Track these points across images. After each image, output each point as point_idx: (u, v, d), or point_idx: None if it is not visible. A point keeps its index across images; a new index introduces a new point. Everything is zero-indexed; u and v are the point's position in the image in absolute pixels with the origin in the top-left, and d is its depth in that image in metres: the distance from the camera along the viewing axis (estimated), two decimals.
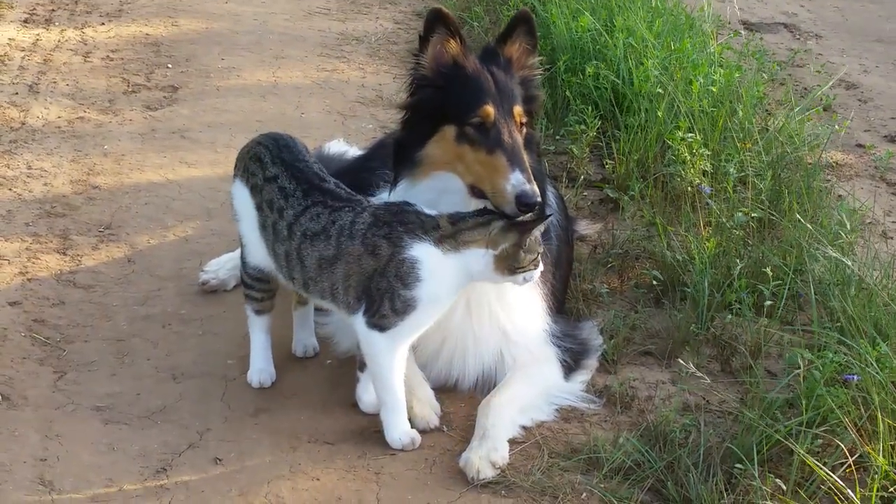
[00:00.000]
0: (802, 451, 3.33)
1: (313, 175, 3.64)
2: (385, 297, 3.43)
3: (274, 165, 3.67)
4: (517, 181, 3.44)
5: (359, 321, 3.49)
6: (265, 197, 3.64)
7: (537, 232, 3.46)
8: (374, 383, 3.59)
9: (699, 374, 3.75)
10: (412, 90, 3.73)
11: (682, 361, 3.82)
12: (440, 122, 3.60)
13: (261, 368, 3.84)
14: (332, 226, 3.52)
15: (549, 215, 3.57)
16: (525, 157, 3.52)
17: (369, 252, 3.45)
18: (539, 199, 3.47)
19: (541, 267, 3.50)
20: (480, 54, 3.74)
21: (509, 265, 3.43)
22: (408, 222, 3.46)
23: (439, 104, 3.62)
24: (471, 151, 3.54)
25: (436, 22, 3.65)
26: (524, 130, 3.62)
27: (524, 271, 3.45)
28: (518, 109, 3.60)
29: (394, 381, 3.52)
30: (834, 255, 4.10)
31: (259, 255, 3.73)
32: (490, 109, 3.55)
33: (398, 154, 3.70)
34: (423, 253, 3.42)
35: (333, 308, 3.63)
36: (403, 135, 3.73)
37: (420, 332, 3.54)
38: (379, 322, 3.45)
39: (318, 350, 3.99)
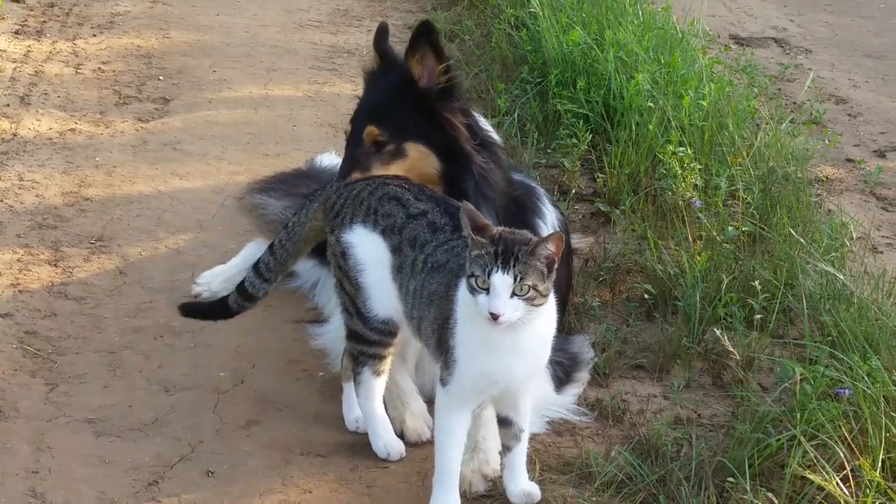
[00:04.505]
0: (796, 462, 3.34)
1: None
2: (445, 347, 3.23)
3: (420, 202, 3.41)
4: None
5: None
6: (406, 236, 3.36)
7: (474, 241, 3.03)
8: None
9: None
10: None
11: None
12: None
13: (395, 442, 3.59)
14: (449, 261, 3.27)
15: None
16: (354, 176, 3.61)
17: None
18: None
19: (497, 305, 3.00)
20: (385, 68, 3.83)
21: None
22: None
23: None
24: None
25: (376, 34, 3.90)
26: (382, 147, 3.65)
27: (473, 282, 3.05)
28: (369, 129, 3.65)
29: (443, 449, 3.26)
30: (828, 269, 4.11)
31: (388, 302, 3.42)
32: (349, 127, 3.72)
33: None
34: (461, 291, 3.17)
35: (432, 360, 3.40)
36: None
37: (479, 394, 3.24)
38: (442, 376, 3.24)
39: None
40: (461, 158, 3.67)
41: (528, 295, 3.02)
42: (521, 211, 3.79)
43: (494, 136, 3.88)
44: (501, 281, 3.00)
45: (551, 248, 3.04)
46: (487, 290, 3.01)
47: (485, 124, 3.88)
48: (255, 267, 3.64)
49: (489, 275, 3.00)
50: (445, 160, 3.67)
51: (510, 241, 3.04)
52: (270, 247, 3.64)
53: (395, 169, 3.64)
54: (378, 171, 3.64)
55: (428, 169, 3.67)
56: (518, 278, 3.01)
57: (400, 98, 3.70)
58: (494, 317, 3.00)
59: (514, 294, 3.01)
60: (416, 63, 3.67)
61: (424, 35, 3.66)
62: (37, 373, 3.91)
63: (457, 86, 3.72)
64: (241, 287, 3.65)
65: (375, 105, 3.75)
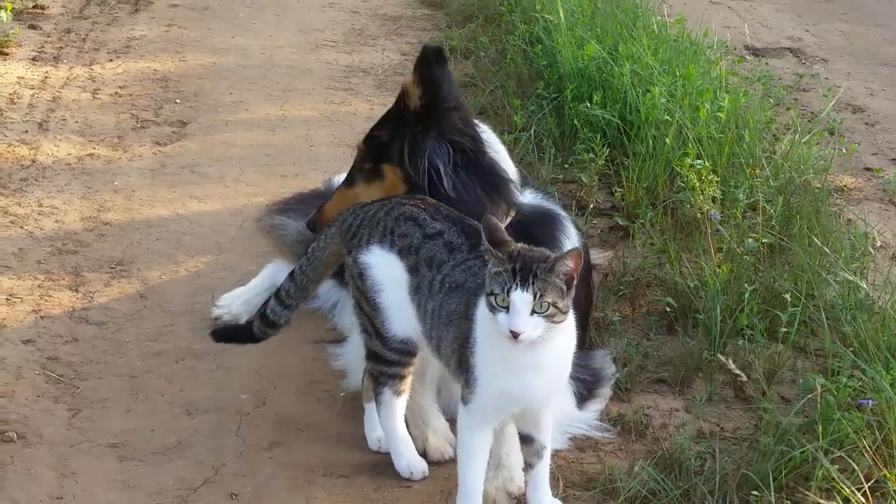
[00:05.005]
0: (826, 468, 3.32)
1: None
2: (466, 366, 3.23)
3: (436, 221, 3.39)
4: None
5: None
6: (423, 256, 3.35)
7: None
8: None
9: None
10: None
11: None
12: None
13: (417, 461, 3.59)
14: (467, 280, 3.26)
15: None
16: (337, 191, 3.85)
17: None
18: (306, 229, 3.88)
19: (521, 324, 2.99)
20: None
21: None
22: None
23: None
24: None
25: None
26: (364, 165, 3.74)
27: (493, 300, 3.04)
28: (359, 145, 3.80)
29: (466, 467, 3.25)
30: (850, 277, 4.10)
31: (407, 323, 3.42)
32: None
33: None
34: (481, 309, 3.17)
35: (453, 380, 3.40)
36: None
37: (501, 412, 3.23)
38: (464, 394, 3.23)
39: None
40: (415, 188, 3.64)
41: (548, 312, 3.01)
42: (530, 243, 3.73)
43: (502, 163, 3.78)
44: (521, 299, 2.99)
45: (570, 264, 3.03)
46: (507, 309, 3.00)
47: (495, 151, 3.80)
48: (277, 294, 3.63)
49: (508, 293, 2.99)
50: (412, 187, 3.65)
51: (528, 258, 3.03)
52: (291, 274, 3.64)
53: (375, 188, 3.67)
54: (361, 187, 3.71)
55: (401, 193, 3.65)
56: (537, 296, 3.00)
57: (393, 119, 3.72)
58: (515, 335, 2.99)
59: (533, 312, 3.00)
60: (411, 86, 3.67)
61: (420, 60, 3.66)
62: (59, 398, 3.92)
63: (441, 113, 3.65)
64: (263, 315, 3.65)
65: (376, 124, 3.78)
